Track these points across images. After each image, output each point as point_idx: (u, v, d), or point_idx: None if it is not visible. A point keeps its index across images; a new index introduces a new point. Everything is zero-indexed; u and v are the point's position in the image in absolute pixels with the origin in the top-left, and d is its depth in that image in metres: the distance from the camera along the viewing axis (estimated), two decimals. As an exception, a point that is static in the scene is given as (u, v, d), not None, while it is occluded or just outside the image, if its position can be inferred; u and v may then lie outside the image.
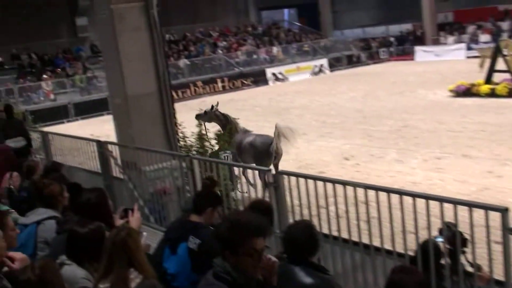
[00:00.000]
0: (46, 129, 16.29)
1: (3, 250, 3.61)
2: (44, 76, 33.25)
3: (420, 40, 45.19)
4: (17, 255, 3.81)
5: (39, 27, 36.87)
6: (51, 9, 37.71)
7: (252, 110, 27.45)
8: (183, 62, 37.20)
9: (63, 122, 30.53)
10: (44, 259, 3.62)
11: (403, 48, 45.80)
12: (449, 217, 5.19)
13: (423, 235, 5.36)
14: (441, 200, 5.17)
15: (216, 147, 11.86)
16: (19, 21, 36.19)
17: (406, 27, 47.33)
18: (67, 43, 38.47)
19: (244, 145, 12.33)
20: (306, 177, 6.56)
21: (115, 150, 10.28)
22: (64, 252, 4.25)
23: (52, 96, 32.30)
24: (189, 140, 12.06)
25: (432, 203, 5.22)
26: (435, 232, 5.42)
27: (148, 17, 9.91)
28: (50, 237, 5.28)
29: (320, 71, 41.68)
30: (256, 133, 12.77)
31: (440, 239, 5.33)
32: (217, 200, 5.60)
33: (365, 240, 6.02)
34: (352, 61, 44.34)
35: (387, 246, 5.82)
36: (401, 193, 5.55)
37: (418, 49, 43.51)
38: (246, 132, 12.88)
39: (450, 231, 5.22)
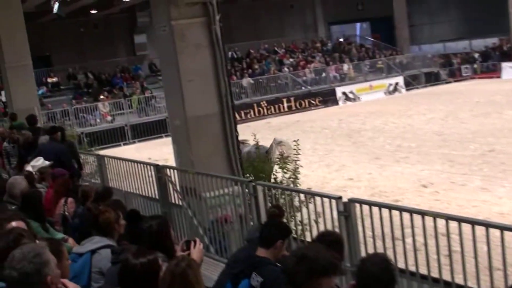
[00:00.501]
0: (102, 152, 16.68)
1: (58, 278, 3.70)
2: (101, 96, 34.13)
3: (508, 56, 44.18)
4: (70, 284, 3.89)
5: (96, 46, 38.09)
6: (109, 27, 38.92)
7: (321, 132, 27.39)
8: (246, 81, 37.51)
9: (119, 145, 31.18)
10: None
11: (488, 64, 44.88)
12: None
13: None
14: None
15: (280, 173, 11.88)
16: (76, 39, 37.49)
17: (492, 41, 46.37)
18: (125, 61, 39.50)
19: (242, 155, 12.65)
20: (380, 205, 6.48)
21: (173, 175, 10.41)
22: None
23: (108, 118, 33.09)
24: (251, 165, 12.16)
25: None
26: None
27: (210, 33, 10.07)
28: (105, 267, 5.37)
29: (395, 90, 41.25)
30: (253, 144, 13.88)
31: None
32: (287, 232, 5.58)
33: (446, 276, 5.89)
34: (431, 79, 43.70)
35: (471, 283, 5.67)
36: (487, 225, 5.40)
37: (506, 65, 42.52)
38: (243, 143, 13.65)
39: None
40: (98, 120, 32.76)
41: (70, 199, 8.81)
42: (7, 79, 18.41)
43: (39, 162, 11.34)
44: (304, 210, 8.51)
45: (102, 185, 12.04)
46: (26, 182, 8.20)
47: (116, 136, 31.87)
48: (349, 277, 6.68)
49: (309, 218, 7.84)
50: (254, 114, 36.02)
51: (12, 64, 18.15)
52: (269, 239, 5.32)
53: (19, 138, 13.73)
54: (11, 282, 3.45)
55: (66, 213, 8.61)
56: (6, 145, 14.03)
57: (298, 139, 13.10)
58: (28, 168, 11.16)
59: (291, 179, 11.80)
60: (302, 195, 8.19)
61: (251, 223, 8.48)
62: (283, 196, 8.27)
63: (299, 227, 8.39)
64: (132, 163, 11.76)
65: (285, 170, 11.79)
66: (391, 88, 41.22)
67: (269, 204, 8.34)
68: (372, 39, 49.81)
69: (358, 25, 52.68)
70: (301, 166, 12.18)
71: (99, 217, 5.66)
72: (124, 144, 31.57)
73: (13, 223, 5.25)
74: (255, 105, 36.42)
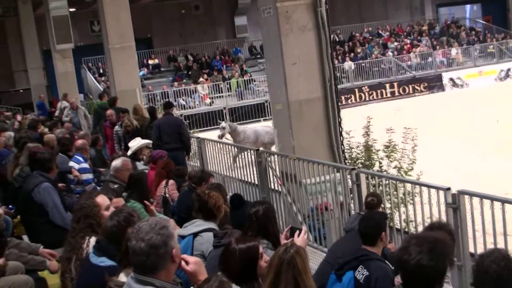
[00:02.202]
0: (201, 135, 16.98)
1: (180, 252, 3.83)
2: (201, 79, 34.73)
3: None
4: (191, 258, 4.02)
5: (196, 28, 38.77)
6: (210, 9, 39.48)
7: (426, 119, 26.82)
8: (348, 65, 37.23)
9: (218, 128, 31.56)
10: (219, 278, 3.80)
11: None
12: None
13: None
14: None
15: (385, 161, 11.73)
16: (177, 21, 38.27)
17: None
18: (225, 44, 39.98)
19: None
20: (492, 198, 6.30)
21: (274, 160, 10.48)
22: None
23: (208, 100, 33.64)
24: (355, 151, 12.08)
25: None
26: None
27: (316, 16, 10.05)
28: (207, 251, 5.51)
29: (507, 76, 39.85)
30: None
31: None
32: (385, 222, 5.55)
33: None
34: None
35: None
36: None
37: None
38: None
39: None
40: (197, 102, 33.37)
41: (171, 181, 9.06)
42: (111, 60, 19.01)
43: (136, 142, 11.71)
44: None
45: (201, 168, 12.30)
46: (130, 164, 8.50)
47: (215, 119, 32.35)
48: (455, 271, 6.56)
49: (414, 209, 7.72)
50: (355, 99, 35.72)
51: (116, 45, 18.73)
52: (372, 237, 5.31)
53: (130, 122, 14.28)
54: (139, 253, 3.56)
55: (167, 195, 8.86)
56: (117, 129, 14.58)
57: (416, 128, 12.85)
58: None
59: (399, 168, 11.63)
60: (408, 186, 8.07)
61: (352, 212, 8.45)
62: (387, 186, 8.19)
63: (403, 218, 8.29)
64: (232, 147, 11.92)
65: (391, 159, 11.64)
66: (503, 74, 39.83)
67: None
68: (483, 22, 48.20)
69: (468, 6, 51.08)
70: (414, 160, 11.94)
71: (209, 201, 5.78)
72: (223, 128, 31.94)
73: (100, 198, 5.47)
74: (356, 90, 36.08)
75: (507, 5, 47.85)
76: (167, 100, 24.74)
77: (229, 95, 34.42)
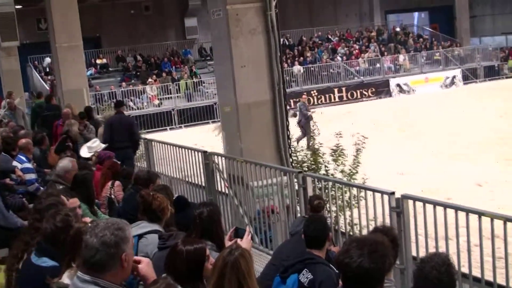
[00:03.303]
0: (148, 136, 16.89)
1: (131, 258, 3.81)
2: (149, 80, 34.51)
3: None
4: (143, 258, 4.01)
5: (146, 28, 38.47)
6: (160, 10, 39.22)
7: (374, 124, 27.18)
8: (297, 68, 37.46)
9: (165, 129, 31.50)
10: (166, 281, 3.80)
11: (553, 59, 43.92)
12: None
13: None
14: None
15: (332, 165, 11.85)
16: (127, 22, 37.94)
17: (559, 35, 45.37)
18: (175, 45, 39.78)
19: None
20: (434, 203, 6.43)
21: (221, 162, 10.49)
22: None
23: (156, 102, 33.45)
24: (301, 155, 12.17)
25: None
26: None
27: (266, 19, 10.09)
28: (151, 252, 5.48)
29: (452, 83, 40.66)
30: None
31: None
32: (328, 227, 5.63)
33: (501, 280, 5.83)
34: (491, 74, 42.94)
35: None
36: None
37: None
38: None
39: None
40: (145, 104, 33.15)
41: (117, 182, 8.97)
42: (58, 59, 18.73)
43: (96, 143, 11.57)
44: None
45: (145, 170, 12.22)
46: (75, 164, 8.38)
47: (163, 121, 32.23)
48: (398, 275, 6.68)
49: (359, 213, 7.82)
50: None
51: (63, 44, 18.45)
52: (320, 240, 5.35)
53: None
54: (89, 248, 3.57)
55: (112, 196, 8.77)
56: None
57: (363, 135, 13.03)
58: (84, 149, 11.41)
59: (347, 173, 11.75)
60: (354, 189, 8.17)
61: (298, 215, 8.51)
62: (333, 189, 8.28)
63: (347, 221, 8.39)
64: (180, 149, 11.88)
65: (338, 163, 11.77)
66: (448, 81, 40.63)
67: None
68: (430, 30, 49.11)
69: (416, 14, 51.97)
70: (359, 163, 12.09)
71: (153, 202, 5.76)
72: (171, 129, 31.88)
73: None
74: (305, 94, 36.30)
75: (453, 13, 48.83)
76: (118, 99, 24.49)
77: (178, 96, 34.26)
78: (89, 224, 3.95)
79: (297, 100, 34.90)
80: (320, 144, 12.31)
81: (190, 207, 5.85)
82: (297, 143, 20.55)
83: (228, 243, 5.15)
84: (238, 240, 5.30)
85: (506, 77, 42.87)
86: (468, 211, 6.03)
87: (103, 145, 11.53)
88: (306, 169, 11.73)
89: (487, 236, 5.84)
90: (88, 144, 11.72)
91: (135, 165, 13.48)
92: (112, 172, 9.15)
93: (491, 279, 5.88)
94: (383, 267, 3.40)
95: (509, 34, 49.13)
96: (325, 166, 11.89)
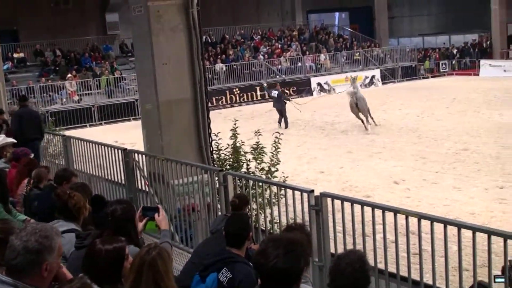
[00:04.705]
0: (67, 133, 16.57)
1: (54, 268, 3.73)
2: (69, 75, 33.83)
3: (487, 53, 44.74)
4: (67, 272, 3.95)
5: (66, 23, 37.57)
6: (80, 4, 38.48)
7: (293, 123, 27.46)
8: (220, 66, 37.47)
9: (85, 126, 31.01)
10: (82, 280, 3.72)
11: (466, 61, 45.40)
12: (511, 255, 5.13)
13: (481, 274, 5.31)
14: (506, 236, 5.10)
15: (253, 163, 11.90)
16: (45, 15, 37.00)
17: (472, 37, 46.89)
18: (95, 40, 39.10)
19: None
20: (352, 201, 6.55)
21: (141, 160, 10.39)
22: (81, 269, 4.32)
23: (76, 98, 32.84)
24: (223, 153, 12.18)
25: (494, 239, 5.16)
26: (496, 271, 5.37)
27: (187, 17, 10.06)
28: (68, 252, 5.38)
29: (372, 83, 41.54)
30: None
31: (501, 280, 5.27)
32: (249, 223, 5.65)
33: (415, 275, 5.99)
34: (409, 74, 44.08)
35: (440, 284, 5.77)
36: (460, 225, 5.49)
37: (484, 63, 43.08)
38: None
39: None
40: (64, 100, 32.49)
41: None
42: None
43: (0, 139, 11.22)
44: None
45: (65, 167, 11.99)
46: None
47: (82, 117, 31.69)
48: (317, 272, 6.77)
49: (279, 211, 7.88)
50: (226, 101, 36.05)
51: (-23, 36, 17.90)
52: (240, 239, 5.35)
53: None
54: (11, 250, 3.50)
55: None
56: None
57: (282, 133, 13.14)
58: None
59: (266, 171, 11.81)
60: (274, 188, 8.23)
61: (219, 213, 8.52)
62: (254, 188, 8.32)
63: (268, 219, 8.44)
64: (99, 146, 11.70)
65: (258, 161, 11.83)
66: (367, 81, 41.46)
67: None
68: (350, 30, 49.98)
69: (337, 14, 52.84)
70: (278, 161, 12.17)
71: (69, 201, 5.65)
72: (90, 126, 31.41)
73: None
74: (227, 92, 36.43)
75: (373, 14, 49.82)
76: (22, 94, 23.73)
77: (98, 92, 33.76)
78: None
79: (220, 98, 35.23)
80: (242, 142, 12.32)
81: (107, 206, 5.76)
82: (280, 125, 26.13)
83: (140, 225, 5.21)
84: (156, 217, 5.30)
85: (423, 78, 44.10)
86: (384, 208, 6.16)
87: (9, 140, 11.22)
88: (228, 167, 11.75)
89: (402, 232, 5.98)
90: None
91: (53, 162, 13.26)
92: (29, 170, 8.92)
93: (406, 274, 6.02)
94: (299, 266, 3.44)
95: (426, 36, 50.59)
96: (247, 165, 11.92)
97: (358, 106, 25.20)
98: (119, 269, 4.14)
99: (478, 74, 42.57)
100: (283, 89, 31.70)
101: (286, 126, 26.54)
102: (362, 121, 25.22)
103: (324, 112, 30.64)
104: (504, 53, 44.00)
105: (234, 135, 12.23)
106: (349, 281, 3.73)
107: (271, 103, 28.89)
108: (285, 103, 27.83)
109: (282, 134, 13.14)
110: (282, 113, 27.32)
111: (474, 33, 46.76)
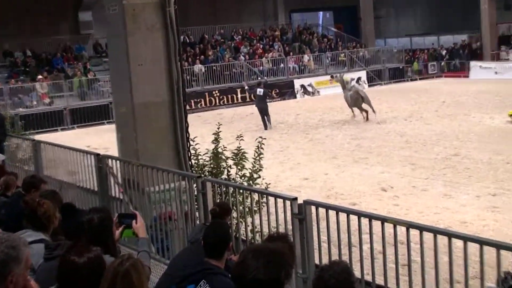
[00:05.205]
0: (37, 137, 16.43)
1: (21, 280, 3.66)
2: (39, 76, 33.60)
3: (477, 55, 45.04)
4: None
5: (37, 22, 37.29)
6: (52, 2, 38.18)
7: (276, 127, 27.47)
8: (198, 67, 37.41)
9: (56, 130, 30.83)
10: None
11: (455, 62, 45.68)
12: (505, 266, 5.12)
13: (474, 286, 5.29)
14: (499, 246, 5.08)
15: (234, 169, 11.83)
16: (15, 14, 36.69)
17: (461, 38, 47.18)
18: (68, 40, 38.84)
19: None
20: (337, 209, 6.51)
21: (115, 166, 10.32)
22: (52, 282, 4.24)
23: (47, 100, 32.62)
24: (202, 159, 12.10)
25: (487, 249, 5.14)
26: (488, 283, 5.35)
27: (164, 16, 10.02)
28: (36, 263, 5.29)
29: (358, 85, 41.66)
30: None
31: (493, 292, 5.26)
32: (230, 234, 5.59)
33: None
34: (396, 76, 44.28)
35: (430, 296, 5.75)
36: (450, 235, 5.47)
37: (474, 64, 43.37)
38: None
39: (508, 282, 5.14)
40: (34, 102, 32.26)
41: (0, 188, 8.65)
42: None
43: None
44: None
45: (34, 173, 11.89)
46: None
47: (53, 121, 31.49)
48: (300, 284, 6.72)
49: (260, 220, 7.84)
50: (205, 103, 36.01)
51: None
52: (219, 249, 5.29)
53: None
54: None
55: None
56: None
57: (265, 138, 13.08)
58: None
59: (247, 178, 11.75)
60: (256, 195, 8.18)
61: (197, 222, 8.46)
62: (234, 195, 8.27)
63: (249, 228, 8.39)
64: (71, 151, 11.61)
65: (239, 167, 11.77)
66: (353, 82, 41.52)
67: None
68: (335, 30, 50.11)
69: (320, 13, 52.98)
70: (261, 167, 12.10)
71: (37, 209, 5.58)
72: (62, 130, 31.23)
73: None
74: (206, 94, 36.37)
75: (358, 14, 49.99)
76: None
77: (70, 95, 33.59)
78: None
79: (199, 100, 35.15)
80: (224, 147, 12.25)
81: (79, 214, 5.68)
82: (269, 125, 27.17)
83: (117, 234, 5.19)
84: (134, 224, 5.25)
85: (411, 80, 44.33)
86: (371, 217, 6.13)
87: None
88: (207, 173, 11.68)
89: (390, 242, 5.95)
90: None
91: (21, 168, 13.15)
92: (-1, 175, 8.83)
93: (394, 286, 5.99)
94: (279, 278, 3.39)
95: (413, 36, 50.81)
96: (228, 171, 11.86)
97: (363, 97, 27.57)
98: (96, 281, 4.07)
99: (468, 76, 42.87)
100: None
101: (270, 127, 27.09)
102: (367, 113, 27.54)
103: (307, 115, 30.65)
104: (495, 55, 44.33)
105: (217, 139, 12.15)
106: None
107: (253, 106, 28.94)
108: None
109: (265, 139, 13.09)
110: (266, 113, 27.59)
111: (464, 33, 47.08)
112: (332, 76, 34.64)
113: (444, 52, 46.79)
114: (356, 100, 27.52)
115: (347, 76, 33.40)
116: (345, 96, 28.66)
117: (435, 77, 44.93)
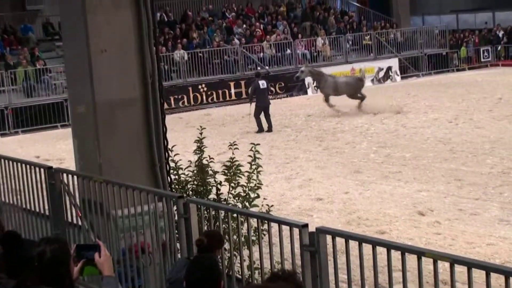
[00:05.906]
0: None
1: None
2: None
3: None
4: None
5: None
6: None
7: (280, 131, 27.51)
8: (180, 54, 37.41)
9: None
10: None
11: (516, 47, 45.78)
12: None
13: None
14: None
15: (225, 187, 11.87)
16: None
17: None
18: (10, 18, 38.85)
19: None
20: (360, 239, 6.54)
21: (72, 183, 10.35)
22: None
23: (-19, 97, 32.74)
24: (184, 174, 12.14)
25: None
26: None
27: (134, -11, 10.08)
28: (-31, 311, 5.34)
29: (387, 77, 41.70)
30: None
31: None
32: (220, 272, 5.63)
33: None
34: (438, 65, 44.29)
35: None
36: (509, 273, 5.47)
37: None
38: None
39: None
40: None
41: None
42: None
43: None
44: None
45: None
46: None
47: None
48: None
49: (260, 253, 7.87)
50: (189, 101, 35.96)
51: None
52: None
53: None
54: None
55: None
56: None
57: (258, 144, 13.07)
58: None
59: (242, 198, 11.78)
60: (253, 221, 8.22)
61: (179, 256, 8.50)
62: (225, 221, 8.30)
63: (246, 264, 8.44)
64: (14, 163, 11.65)
65: (233, 184, 11.79)
66: (381, 74, 41.58)
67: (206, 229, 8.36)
68: (357, 5, 50.09)
69: (339, -16, 53.04)
70: (260, 184, 12.12)
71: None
72: (3, 135, 31.26)
73: None
74: (190, 89, 36.32)
75: (388, -16, 50.03)
76: None
77: (13, 89, 33.58)
78: None
79: (181, 97, 35.22)
80: (211, 158, 12.28)
81: (25, 246, 5.73)
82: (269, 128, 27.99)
83: (75, 270, 5.25)
84: (96, 258, 5.30)
85: (457, 70, 44.35)
86: (404, 249, 6.16)
87: None
88: (191, 192, 11.72)
89: (430, 282, 5.99)
90: None
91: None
92: None
93: None
94: None
95: (460, 13, 50.69)
96: (217, 189, 11.89)
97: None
98: None
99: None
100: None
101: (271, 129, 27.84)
102: (361, 100, 31.47)
103: (322, 116, 30.69)
104: None
105: (200, 148, 12.19)
106: None
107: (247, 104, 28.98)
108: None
109: (258, 144, 13.08)
110: (268, 111, 28.34)
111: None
112: (297, 78, 35.61)
113: (501, 34, 46.80)
114: (357, 87, 31.51)
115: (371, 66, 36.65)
116: (326, 87, 31.99)
117: (489, 66, 44.99)
